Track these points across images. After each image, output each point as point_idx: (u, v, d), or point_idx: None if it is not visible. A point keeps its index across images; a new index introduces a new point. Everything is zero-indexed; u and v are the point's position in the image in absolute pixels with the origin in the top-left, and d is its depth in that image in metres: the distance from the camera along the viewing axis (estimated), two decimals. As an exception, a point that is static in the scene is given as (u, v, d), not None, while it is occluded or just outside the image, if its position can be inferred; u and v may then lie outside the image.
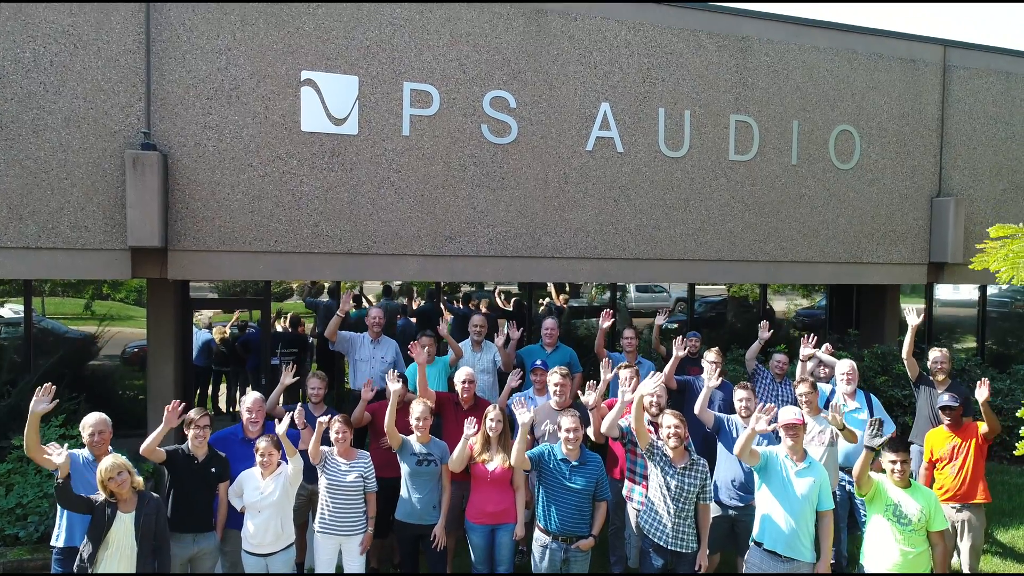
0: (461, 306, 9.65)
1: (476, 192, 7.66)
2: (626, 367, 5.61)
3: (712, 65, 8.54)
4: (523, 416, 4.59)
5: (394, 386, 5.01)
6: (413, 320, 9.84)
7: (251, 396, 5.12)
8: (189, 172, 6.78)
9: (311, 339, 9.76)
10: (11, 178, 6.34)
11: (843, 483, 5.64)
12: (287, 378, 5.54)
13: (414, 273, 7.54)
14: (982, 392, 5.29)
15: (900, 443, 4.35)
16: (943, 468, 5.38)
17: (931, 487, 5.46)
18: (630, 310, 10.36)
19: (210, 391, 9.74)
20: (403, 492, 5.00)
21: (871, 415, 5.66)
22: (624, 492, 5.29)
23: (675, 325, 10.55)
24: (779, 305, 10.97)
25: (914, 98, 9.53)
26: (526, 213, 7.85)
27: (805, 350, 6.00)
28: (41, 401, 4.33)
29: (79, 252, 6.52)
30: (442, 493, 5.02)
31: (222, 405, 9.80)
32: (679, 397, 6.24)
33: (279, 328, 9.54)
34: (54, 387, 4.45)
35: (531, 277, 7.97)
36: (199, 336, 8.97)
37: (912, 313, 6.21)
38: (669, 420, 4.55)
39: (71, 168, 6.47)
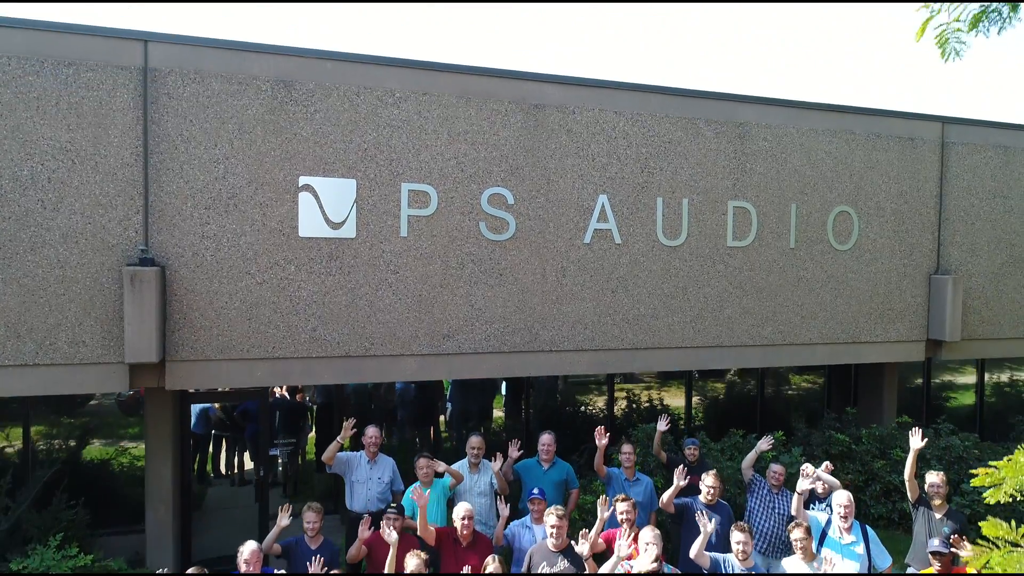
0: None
1: (474, 289, 7.67)
2: (623, 500, 5.62)
3: (710, 152, 8.54)
4: None
5: (392, 537, 5.01)
6: (412, 384, 9.87)
7: (248, 547, 5.13)
8: (187, 282, 6.79)
9: (309, 404, 9.79)
10: (9, 296, 6.34)
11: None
12: (284, 519, 5.54)
13: (412, 373, 7.55)
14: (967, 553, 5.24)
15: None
16: (935, 613, 5.39)
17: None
18: None
19: (210, 451, 9.79)
20: (400, 642, 5.01)
21: (867, 549, 5.67)
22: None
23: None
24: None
25: (912, 176, 9.54)
26: (524, 308, 7.86)
27: (803, 483, 5.99)
28: None
29: (77, 367, 6.52)
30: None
31: (222, 468, 9.85)
32: (677, 518, 6.25)
33: (277, 394, 9.57)
34: None
35: (528, 372, 7.99)
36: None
37: (916, 436, 6.23)
38: None
39: (69, 284, 6.47)
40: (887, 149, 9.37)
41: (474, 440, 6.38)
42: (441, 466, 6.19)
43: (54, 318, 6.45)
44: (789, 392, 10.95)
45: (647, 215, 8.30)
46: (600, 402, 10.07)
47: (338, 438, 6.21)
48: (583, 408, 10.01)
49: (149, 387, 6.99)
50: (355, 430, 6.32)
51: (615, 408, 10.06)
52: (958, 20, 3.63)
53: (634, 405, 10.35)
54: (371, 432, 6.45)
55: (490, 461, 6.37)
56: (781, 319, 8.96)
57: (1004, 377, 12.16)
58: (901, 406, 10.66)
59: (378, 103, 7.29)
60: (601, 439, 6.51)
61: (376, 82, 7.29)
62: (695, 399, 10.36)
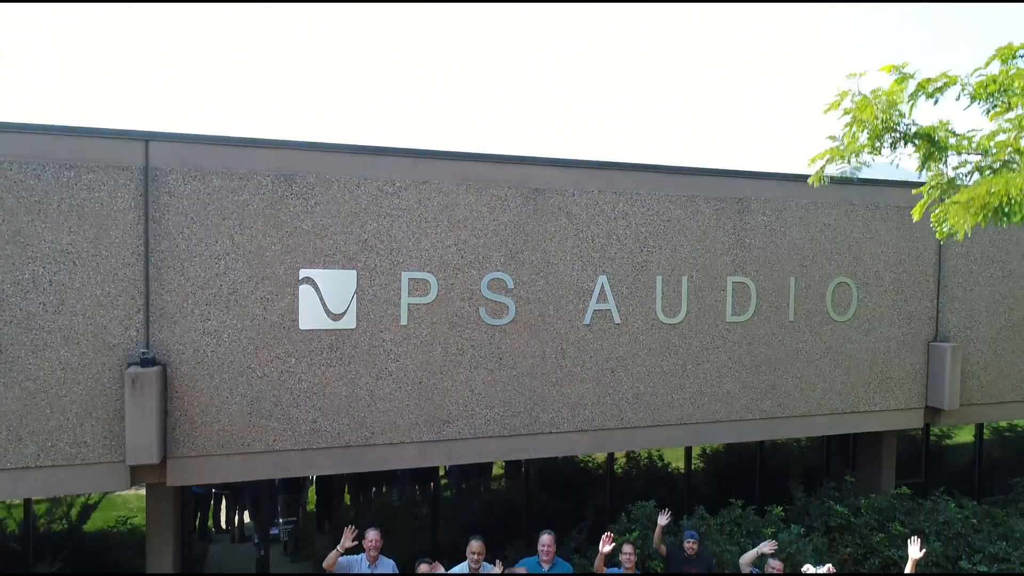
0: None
1: (474, 375, 7.69)
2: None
3: (710, 229, 8.57)
4: None
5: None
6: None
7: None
8: (188, 379, 6.81)
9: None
10: (11, 400, 6.36)
11: None
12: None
13: (412, 460, 7.57)
14: None
15: None
16: None
17: None
18: None
19: (211, 506, 9.82)
20: None
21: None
22: None
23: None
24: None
25: (911, 244, 9.56)
26: (524, 391, 7.88)
27: None
28: None
29: (78, 467, 6.53)
30: None
31: (222, 524, 9.88)
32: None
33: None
34: None
35: (529, 454, 8.01)
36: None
37: (915, 546, 6.27)
38: None
39: (70, 386, 6.49)
40: (886, 219, 9.40)
41: (475, 545, 6.39)
42: (440, 569, 6.21)
43: (56, 420, 6.47)
44: (788, 447, 10.95)
45: (646, 294, 8.32)
46: (600, 456, 10.06)
47: (338, 546, 6.22)
48: (583, 464, 10.02)
49: (150, 483, 7.01)
50: (356, 542, 6.34)
51: (615, 466, 10.07)
52: (953, 223, 3.65)
53: (634, 460, 10.36)
54: (371, 536, 6.46)
55: (492, 565, 6.39)
56: (780, 392, 8.99)
57: (1003, 422, 12.18)
58: (900, 460, 10.65)
59: (378, 193, 7.31)
60: (605, 545, 6.52)
61: (376, 172, 7.31)
62: (695, 450, 10.36)
